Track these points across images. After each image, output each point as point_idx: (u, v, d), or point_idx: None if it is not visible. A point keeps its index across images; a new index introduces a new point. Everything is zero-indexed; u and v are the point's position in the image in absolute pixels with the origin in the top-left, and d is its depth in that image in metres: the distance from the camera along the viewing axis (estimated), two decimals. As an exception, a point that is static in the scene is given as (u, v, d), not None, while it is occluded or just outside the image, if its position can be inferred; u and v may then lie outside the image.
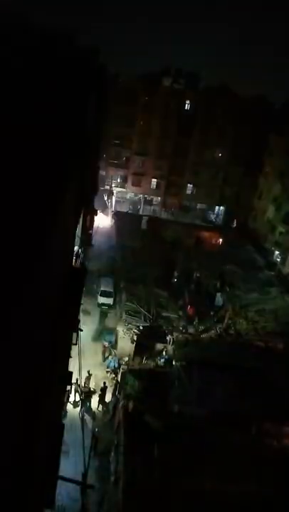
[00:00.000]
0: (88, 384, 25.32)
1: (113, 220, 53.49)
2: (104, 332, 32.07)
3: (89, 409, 24.53)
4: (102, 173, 58.16)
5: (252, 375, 25.10)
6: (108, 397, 25.43)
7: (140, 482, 17.62)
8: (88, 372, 24.77)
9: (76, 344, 15.36)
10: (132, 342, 28.86)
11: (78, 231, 18.05)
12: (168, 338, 29.80)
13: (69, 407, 23.82)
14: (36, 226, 4.00)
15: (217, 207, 64.67)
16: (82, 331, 17.53)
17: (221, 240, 52.83)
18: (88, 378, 25.25)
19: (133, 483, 17.63)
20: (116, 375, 27.21)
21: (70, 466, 18.24)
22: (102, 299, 35.56)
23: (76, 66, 12.91)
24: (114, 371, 27.67)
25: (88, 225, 24.34)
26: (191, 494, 17.22)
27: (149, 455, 18.66)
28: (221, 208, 64.55)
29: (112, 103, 53.26)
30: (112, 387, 26.16)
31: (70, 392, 23.14)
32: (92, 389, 25.29)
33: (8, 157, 5.41)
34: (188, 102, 59.03)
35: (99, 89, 17.77)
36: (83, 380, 24.82)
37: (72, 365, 18.08)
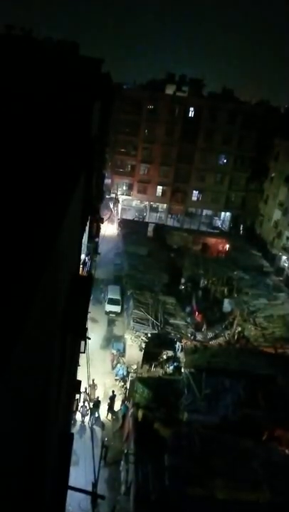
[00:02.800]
0: (94, 393, 25.15)
1: (119, 228, 53.58)
2: (112, 340, 32.00)
3: (98, 419, 24.39)
4: (108, 181, 58.45)
5: (262, 381, 24.87)
6: (117, 406, 25.28)
7: (151, 491, 17.45)
8: (93, 381, 24.63)
9: (84, 352, 15.30)
10: (141, 350, 28.75)
11: (85, 239, 18.08)
12: (176, 345, 29.66)
13: (78, 416, 23.71)
14: (42, 235, 3.98)
15: (223, 213, 64.56)
16: (90, 339, 17.48)
17: (227, 245, 52.64)
18: (93, 387, 25.09)
19: (144, 492, 17.46)
20: (125, 383, 27.09)
21: (80, 475, 18.11)
22: (109, 307, 35.53)
23: (80, 75, 13.00)
24: (123, 379, 27.55)
25: (94, 233, 24.38)
26: (202, 503, 17.01)
27: (160, 464, 18.48)
28: (227, 213, 64.41)
29: (117, 111, 53.62)
30: (121, 396, 26.03)
31: (79, 401, 23.04)
32: (97, 398, 25.11)
33: (13, 165, 5.43)
34: (192, 108, 59.19)
35: (103, 98, 17.87)
36: (89, 389, 24.73)
37: (81, 374, 18.04)
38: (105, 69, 22.31)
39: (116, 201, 61.46)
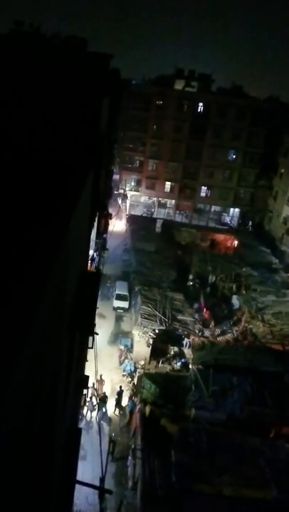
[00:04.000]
0: (101, 388, 25.25)
1: (127, 224, 53.57)
2: (120, 336, 32.08)
3: (105, 414, 24.49)
4: (116, 176, 58.44)
5: (269, 378, 24.79)
6: (124, 401, 25.36)
7: (158, 487, 17.51)
8: (100, 376, 24.72)
9: (92, 348, 15.36)
10: (148, 345, 28.79)
11: (93, 235, 18.11)
12: (184, 341, 29.66)
13: (85, 411, 23.84)
14: (52, 230, 3.99)
15: (231, 209, 64.24)
16: (97, 334, 17.54)
17: (236, 242, 52.41)
18: (100, 383, 25.19)
19: (150, 488, 17.53)
20: (132, 379, 27.15)
21: (87, 470, 18.25)
22: (117, 303, 35.60)
23: (89, 71, 12.97)
24: (131, 375, 27.62)
25: (103, 228, 24.41)
26: (208, 500, 17.05)
27: (166, 460, 18.54)
28: (236, 210, 64.09)
29: (125, 107, 53.47)
30: (129, 391, 26.10)
31: (86, 395, 23.16)
32: (104, 393, 25.19)
33: (23, 160, 5.44)
34: (200, 104, 58.86)
35: (112, 94, 17.84)
36: (97, 385, 24.83)
37: (89, 369, 18.13)
38: (114, 64, 22.25)
39: (124, 197, 61.41)
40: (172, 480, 17.63)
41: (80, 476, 12.61)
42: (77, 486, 10.83)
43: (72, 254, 5.38)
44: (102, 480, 15.46)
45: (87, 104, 9.60)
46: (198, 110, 59.27)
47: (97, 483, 15.27)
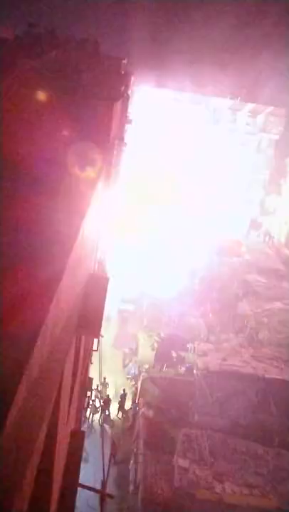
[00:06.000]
0: (105, 391, 25.16)
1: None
2: (125, 338, 31.97)
3: (108, 417, 24.41)
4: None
5: (274, 386, 24.59)
6: (128, 405, 25.28)
7: (159, 492, 17.42)
8: (104, 379, 24.65)
9: (97, 350, 15.32)
10: (153, 349, 28.71)
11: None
12: (189, 346, 29.53)
13: (89, 413, 23.77)
14: (65, 231, 3.98)
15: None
16: (103, 337, 17.52)
17: (243, 247, 52.14)
18: (104, 385, 25.10)
19: (152, 492, 17.43)
20: (136, 382, 27.07)
21: (89, 473, 18.14)
22: (123, 305, 35.52)
23: (103, 73, 13.01)
24: (135, 378, 27.54)
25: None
26: (210, 506, 16.92)
27: (169, 465, 18.44)
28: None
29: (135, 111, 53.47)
30: (132, 395, 26.02)
31: (90, 398, 23.12)
32: (108, 396, 25.10)
33: (35, 160, 5.44)
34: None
35: (125, 97, 17.87)
36: (100, 387, 24.76)
37: (93, 371, 18.10)
38: (126, 68, 22.29)
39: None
40: (174, 485, 17.53)
41: (81, 479, 12.54)
42: (78, 488, 10.78)
43: (81, 256, 5.37)
44: (103, 483, 15.37)
45: (100, 107, 9.62)
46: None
47: (98, 486, 15.17)
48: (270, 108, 48.79)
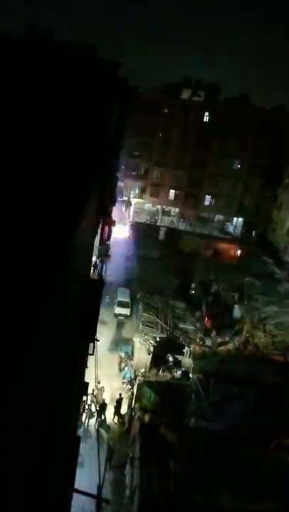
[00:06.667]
0: (101, 395, 25.07)
1: (131, 231, 53.63)
2: (120, 343, 31.96)
3: (104, 421, 24.33)
4: (121, 183, 58.54)
5: (270, 389, 24.61)
6: (124, 409, 25.20)
7: (156, 496, 17.34)
8: (99, 382, 24.56)
9: (93, 354, 15.29)
10: (149, 353, 28.67)
11: (96, 242, 18.11)
12: (185, 350, 29.53)
13: (84, 417, 23.68)
14: (57, 236, 3.98)
15: (235, 218, 64.28)
16: (98, 341, 17.48)
17: (239, 251, 52.42)
18: (100, 389, 25.01)
19: (148, 497, 17.35)
20: (132, 387, 27.00)
21: (85, 478, 18.06)
22: (118, 310, 35.51)
23: (99, 78, 13.05)
24: (131, 382, 27.47)
25: (106, 235, 24.43)
26: (207, 511, 16.86)
27: (165, 469, 18.37)
28: (240, 219, 64.12)
29: (132, 115, 53.69)
30: (128, 399, 25.95)
31: (85, 402, 23.03)
32: (103, 400, 25.00)
33: (30, 166, 5.44)
34: (207, 113, 59.13)
35: (121, 101, 17.93)
36: (96, 391, 24.66)
37: (89, 376, 18.03)
38: (122, 72, 22.34)
39: (128, 204, 61.53)
40: (170, 489, 17.47)
41: (77, 484, 12.49)
42: (74, 494, 10.74)
43: (77, 261, 5.37)
44: (99, 488, 15.31)
45: (97, 110, 9.64)
46: (205, 119, 59.54)
47: (94, 491, 15.12)
48: None
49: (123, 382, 27.66)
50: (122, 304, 35.68)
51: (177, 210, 63.48)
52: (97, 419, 24.08)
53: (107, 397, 25.60)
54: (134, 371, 28.01)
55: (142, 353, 28.87)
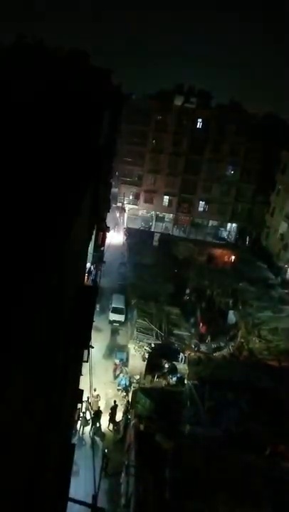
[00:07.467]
0: (95, 403, 24.91)
1: (125, 237, 53.64)
2: (115, 349, 31.83)
3: (99, 429, 24.16)
4: (115, 190, 58.62)
5: (265, 395, 24.58)
6: (119, 416, 25.05)
7: (151, 504, 17.20)
8: (94, 390, 24.43)
9: (87, 361, 15.21)
10: (144, 360, 28.55)
11: (90, 248, 18.08)
12: (180, 356, 29.45)
13: (79, 425, 23.51)
14: (51, 244, 3.96)
15: (229, 224, 64.52)
16: (93, 348, 17.41)
17: (233, 257, 52.51)
18: (95, 397, 24.87)
19: (144, 505, 17.21)
20: (127, 394, 26.87)
21: (80, 486, 17.90)
22: (113, 316, 35.39)
23: (91, 85, 13.09)
24: (125, 389, 27.33)
25: (100, 241, 24.44)
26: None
27: (160, 476, 18.24)
28: (233, 225, 64.36)
29: (125, 121, 53.90)
30: (123, 406, 25.80)
31: (80, 410, 22.87)
32: (98, 408, 24.85)
33: (23, 173, 5.43)
34: (200, 119, 59.52)
35: (113, 108, 17.99)
36: (91, 399, 24.50)
37: (83, 383, 17.94)
38: (115, 78, 22.45)
39: (122, 210, 61.61)
40: (166, 497, 17.34)
41: (72, 493, 12.37)
42: (69, 503, 10.62)
43: (70, 267, 5.35)
44: (94, 497, 15.17)
45: (88, 118, 9.67)
46: (198, 126, 59.90)
47: (89, 499, 14.98)
48: None
49: (118, 389, 27.53)
50: (116, 311, 35.56)
51: (171, 216, 63.62)
52: (92, 426, 23.92)
53: (102, 404, 25.45)
54: (129, 378, 27.89)
55: (137, 360, 28.73)
